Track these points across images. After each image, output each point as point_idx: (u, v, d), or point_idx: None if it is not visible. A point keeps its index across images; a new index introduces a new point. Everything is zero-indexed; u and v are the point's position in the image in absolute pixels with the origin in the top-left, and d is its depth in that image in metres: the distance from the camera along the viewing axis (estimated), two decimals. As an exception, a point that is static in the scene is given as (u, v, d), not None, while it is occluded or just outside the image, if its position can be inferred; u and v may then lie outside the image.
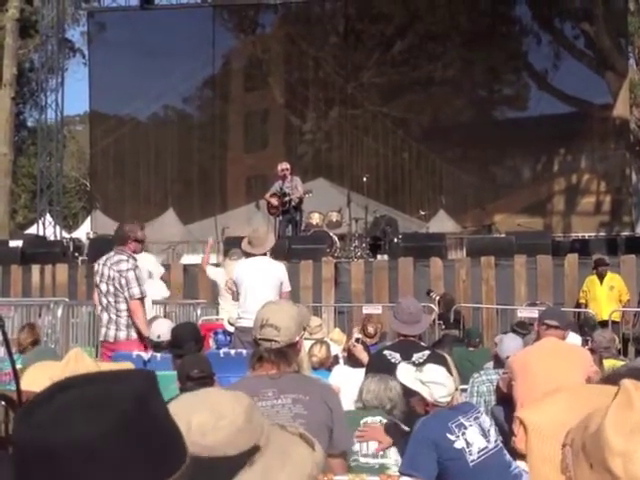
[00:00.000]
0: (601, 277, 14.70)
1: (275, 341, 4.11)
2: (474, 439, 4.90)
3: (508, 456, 5.00)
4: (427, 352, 6.62)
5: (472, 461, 4.85)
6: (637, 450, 1.54)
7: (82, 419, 1.21)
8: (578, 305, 14.76)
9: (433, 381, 5.17)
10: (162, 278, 13.12)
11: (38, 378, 4.56)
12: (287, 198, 17.05)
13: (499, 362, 7.53)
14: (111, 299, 8.82)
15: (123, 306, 8.76)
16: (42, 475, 1.21)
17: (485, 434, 4.94)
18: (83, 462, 1.20)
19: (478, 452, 4.87)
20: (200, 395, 1.68)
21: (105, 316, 8.86)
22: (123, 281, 8.74)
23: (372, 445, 5.42)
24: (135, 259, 9.06)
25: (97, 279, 8.96)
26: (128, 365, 5.79)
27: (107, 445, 1.20)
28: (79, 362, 5.01)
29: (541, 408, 1.82)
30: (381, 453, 5.34)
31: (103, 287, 8.85)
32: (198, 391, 1.73)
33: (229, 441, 1.49)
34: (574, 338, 8.50)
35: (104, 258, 9.01)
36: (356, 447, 5.41)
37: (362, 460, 5.36)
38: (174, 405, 1.52)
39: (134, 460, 1.22)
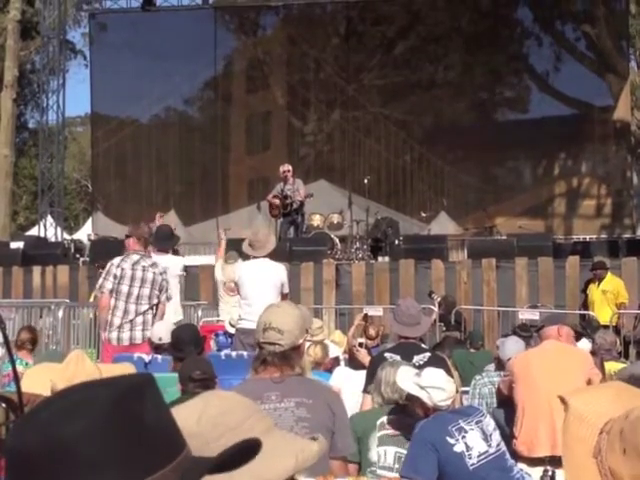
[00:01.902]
0: (599, 280, 14.72)
1: (279, 344, 4.10)
2: (474, 443, 4.88)
3: (510, 460, 4.98)
4: (428, 354, 6.61)
5: (472, 465, 4.84)
6: None
7: (59, 423, 1.25)
8: (584, 308, 14.78)
9: (432, 385, 5.15)
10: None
11: (39, 380, 4.57)
12: (288, 200, 17.04)
13: (501, 365, 7.53)
14: (142, 303, 8.77)
15: (151, 307, 8.78)
16: (24, 477, 1.26)
17: (487, 438, 4.92)
18: (57, 462, 1.24)
19: (478, 456, 4.86)
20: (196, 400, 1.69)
21: (128, 321, 8.77)
22: (164, 284, 8.81)
23: (390, 456, 5.36)
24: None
25: (123, 284, 8.83)
26: (128, 366, 5.78)
27: (79, 446, 1.24)
28: (79, 364, 5.01)
29: (587, 395, 1.84)
30: (396, 467, 5.29)
31: (135, 291, 8.77)
32: (200, 395, 1.73)
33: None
34: (584, 344, 8.50)
35: (128, 263, 8.87)
36: (374, 458, 5.37)
37: (379, 472, 5.31)
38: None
39: (107, 460, 1.25)
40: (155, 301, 8.82)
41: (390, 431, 5.40)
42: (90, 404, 1.27)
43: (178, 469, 1.31)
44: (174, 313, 10.31)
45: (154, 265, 8.87)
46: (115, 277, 8.84)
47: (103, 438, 1.25)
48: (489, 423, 5.04)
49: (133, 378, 1.36)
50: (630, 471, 1.61)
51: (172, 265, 10.47)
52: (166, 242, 10.53)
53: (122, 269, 8.83)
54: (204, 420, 1.55)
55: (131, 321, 8.76)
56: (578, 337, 8.11)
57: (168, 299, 8.92)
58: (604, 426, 1.68)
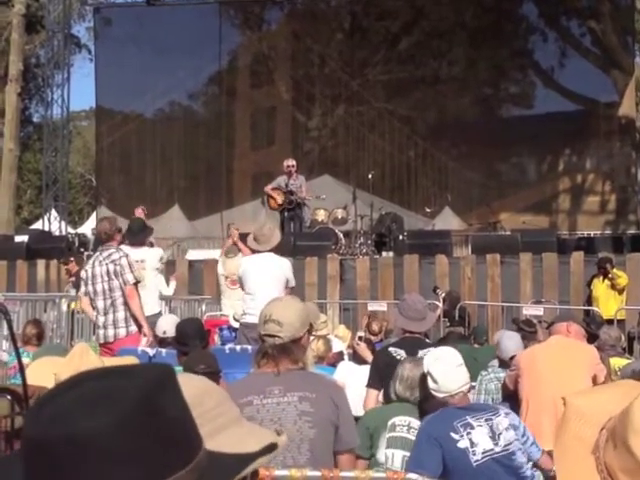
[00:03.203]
0: (604, 276, 14.71)
1: (278, 337, 4.08)
2: (480, 440, 4.86)
3: (521, 459, 4.93)
4: (432, 349, 6.60)
5: (476, 461, 4.82)
6: None
7: (83, 415, 1.21)
8: (588, 303, 14.77)
9: (434, 375, 5.18)
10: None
11: (42, 373, 4.58)
12: (294, 197, 17.04)
13: (503, 363, 7.51)
14: (107, 297, 8.78)
15: (119, 301, 8.75)
16: (44, 469, 1.22)
17: (494, 436, 4.88)
18: (82, 457, 1.20)
19: (483, 453, 4.83)
20: None
21: (101, 319, 8.82)
22: (118, 268, 8.73)
23: (398, 460, 5.33)
24: (122, 250, 9.10)
25: (88, 285, 8.89)
26: (132, 360, 5.78)
27: (107, 441, 1.20)
28: (84, 357, 5.01)
29: (590, 395, 1.82)
30: (403, 470, 5.26)
31: (98, 287, 8.81)
32: None
33: None
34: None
35: (90, 262, 9.00)
36: (382, 459, 5.34)
37: None
38: None
39: (134, 456, 1.22)
40: (119, 292, 8.81)
41: (399, 434, 5.38)
42: (115, 396, 1.23)
43: (196, 469, 1.29)
44: (156, 305, 10.33)
45: (108, 256, 8.82)
46: (83, 280, 9.00)
47: (128, 434, 1.21)
48: (501, 422, 4.97)
49: (156, 370, 1.32)
50: (618, 463, 1.60)
51: (149, 258, 10.52)
52: (138, 236, 10.57)
53: (86, 271, 8.98)
54: None
55: (105, 320, 8.80)
56: (590, 338, 8.08)
57: (126, 283, 8.85)
58: (606, 423, 1.67)
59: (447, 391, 5.10)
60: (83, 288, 9.05)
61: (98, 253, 8.99)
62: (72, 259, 16.10)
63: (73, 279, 15.77)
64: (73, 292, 15.03)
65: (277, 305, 4.29)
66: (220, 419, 1.51)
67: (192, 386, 1.59)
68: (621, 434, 1.58)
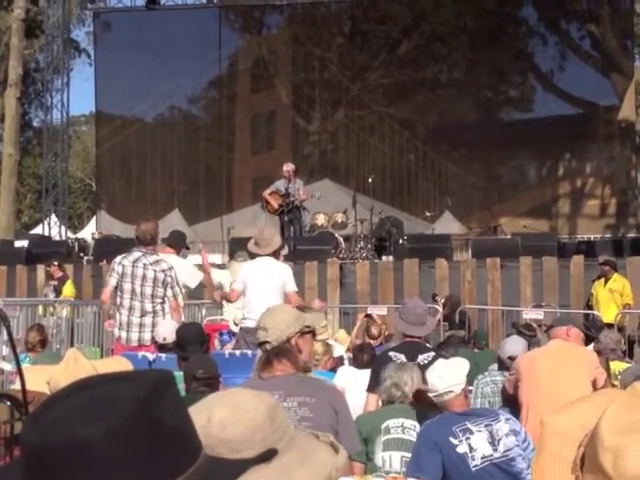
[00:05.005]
0: (605, 279, 14.68)
1: (267, 342, 4.21)
2: (479, 445, 4.86)
3: (520, 465, 4.92)
4: (432, 354, 6.61)
5: (475, 466, 4.82)
6: (627, 446, 1.51)
7: (81, 421, 1.21)
8: (589, 307, 14.74)
9: (426, 373, 5.26)
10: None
11: (36, 379, 4.57)
12: (291, 198, 17.03)
13: (502, 364, 7.50)
14: (148, 301, 8.66)
15: (159, 307, 8.66)
16: (42, 475, 1.22)
17: (494, 442, 4.88)
18: (79, 463, 1.20)
19: (482, 458, 4.83)
20: (225, 393, 1.70)
21: (136, 320, 8.67)
22: (169, 280, 8.63)
23: (396, 461, 5.34)
24: (166, 260, 9.05)
25: (124, 282, 8.72)
26: (123, 361, 5.77)
27: (103, 447, 1.20)
28: (78, 362, 5.01)
29: (570, 412, 1.79)
30: (403, 470, 5.27)
31: (137, 288, 8.67)
32: (224, 390, 1.75)
33: (248, 436, 1.48)
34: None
35: (129, 260, 8.73)
36: (379, 463, 5.35)
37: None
38: (199, 402, 1.56)
39: (131, 462, 1.22)
40: (160, 300, 8.73)
41: (395, 435, 5.39)
42: (111, 403, 1.23)
43: (195, 474, 1.29)
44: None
45: (156, 263, 8.72)
46: (118, 274, 8.78)
47: (124, 440, 1.21)
48: (501, 428, 4.97)
49: (154, 375, 1.32)
50: None
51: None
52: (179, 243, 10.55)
53: (123, 266, 8.74)
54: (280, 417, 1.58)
55: (140, 322, 8.67)
56: (588, 340, 8.06)
57: (175, 296, 8.80)
58: (583, 439, 1.64)
59: (435, 390, 5.12)
60: (114, 282, 8.71)
61: (141, 254, 8.73)
62: (56, 264, 16.16)
63: (55, 283, 15.81)
64: (52, 296, 15.08)
65: (265, 313, 4.45)
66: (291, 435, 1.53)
67: (265, 399, 1.62)
68: (592, 453, 1.56)
